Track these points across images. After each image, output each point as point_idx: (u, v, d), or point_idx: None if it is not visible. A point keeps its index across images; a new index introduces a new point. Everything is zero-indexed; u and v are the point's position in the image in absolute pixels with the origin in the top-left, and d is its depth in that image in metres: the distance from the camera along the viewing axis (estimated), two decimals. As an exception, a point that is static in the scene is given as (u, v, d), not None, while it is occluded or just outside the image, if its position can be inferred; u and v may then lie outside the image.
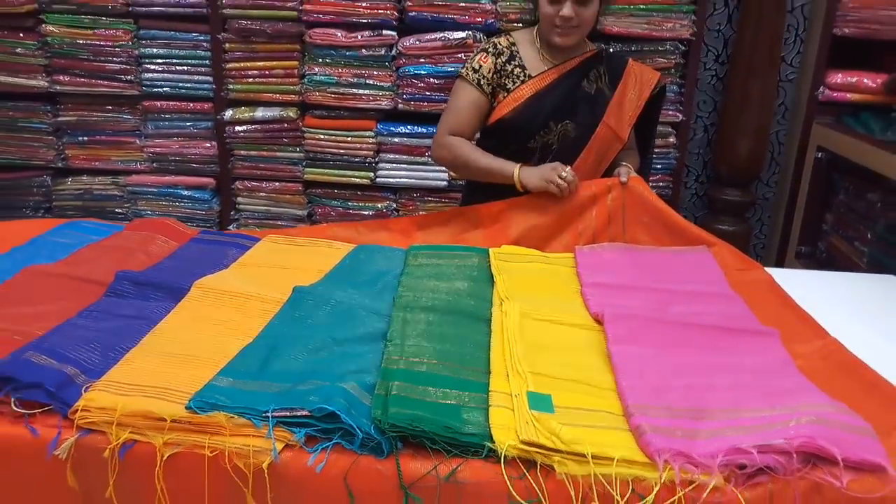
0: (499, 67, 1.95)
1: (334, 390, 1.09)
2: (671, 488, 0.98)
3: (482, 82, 1.95)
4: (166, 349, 1.26)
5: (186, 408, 1.07)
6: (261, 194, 3.03)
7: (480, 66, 1.95)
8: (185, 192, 3.05)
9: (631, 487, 0.99)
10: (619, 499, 0.98)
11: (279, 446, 1.04)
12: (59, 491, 1.08)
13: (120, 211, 3.11)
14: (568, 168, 1.78)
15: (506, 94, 1.95)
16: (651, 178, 2.84)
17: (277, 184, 3.01)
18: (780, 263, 2.88)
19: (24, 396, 1.11)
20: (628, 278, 1.65)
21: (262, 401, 1.09)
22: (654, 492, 0.98)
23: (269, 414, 1.05)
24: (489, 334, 1.35)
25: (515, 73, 1.95)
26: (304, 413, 1.05)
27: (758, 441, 1.02)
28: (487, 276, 1.66)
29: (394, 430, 1.03)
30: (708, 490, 0.98)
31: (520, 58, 1.96)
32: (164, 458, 1.04)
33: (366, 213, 2.99)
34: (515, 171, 1.85)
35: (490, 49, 1.97)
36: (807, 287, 1.72)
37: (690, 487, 0.98)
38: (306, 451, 1.04)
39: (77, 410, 1.07)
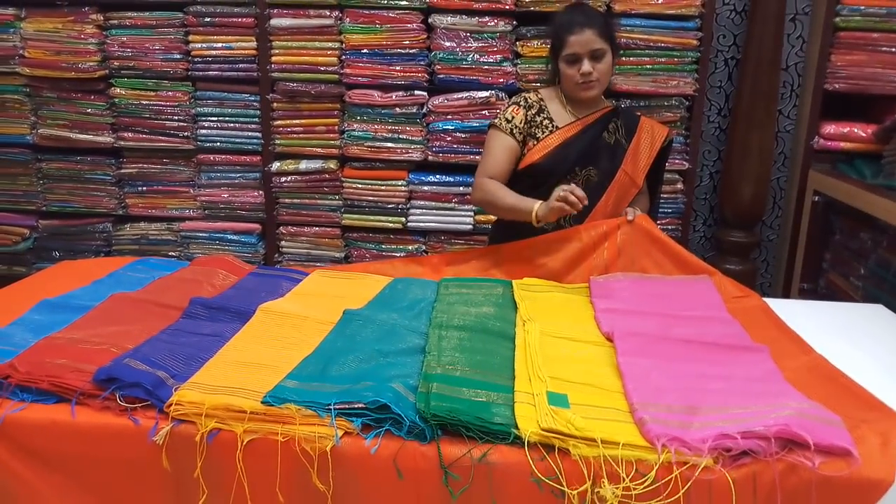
0: (529, 118, 2.18)
1: (384, 387, 1.29)
2: (668, 468, 1.15)
3: (514, 131, 2.17)
4: (239, 359, 1.46)
5: (262, 402, 1.27)
6: (302, 238, 3.26)
7: (513, 118, 2.18)
8: (233, 237, 3.29)
9: (634, 467, 1.16)
10: (624, 476, 1.15)
11: (340, 433, 1.22)
12: (155, 472, 1.27)
13: (173, 254, 3.34)
14: (571, 185, 1.94)
15: (535, 142, 2.17)
16: (661, 221, 3.03)
17: (317, 228, 3.24)
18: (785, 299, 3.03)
19: (127, 393, 1.32)
20: (637, 305, 1.83)
21: (324, 397, 1.28)
22: (654, 470, 1.15)
23: (331, 406, 1.25)
24: (513, 349, 1.54)
25: (544, 123, 2.18)
26: (361, 405, 1.24)
27: (742, 428, 1.19)
28: (511, 302, 1.86)
29: (435, 419, 1.22)
30: (699, 469, 1.15)
31: (548, 111, 2.20)
32: (244, 443, 1.24)
33: (397, 254, 3.20)
34: (535, 206, 2.02)
35: (521, 102, 2.21)
36: (801, 315, 1.88)
37: (684, 467, 1.15)
38: (362, 436, 1.23)
39: (171, 405, 1.28)
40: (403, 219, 3.17)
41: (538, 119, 2.18)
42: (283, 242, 3.27)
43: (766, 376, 1.45)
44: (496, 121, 2.21)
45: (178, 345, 1.52)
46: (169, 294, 1.84)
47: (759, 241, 3.15)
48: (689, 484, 1.14)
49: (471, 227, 3.14)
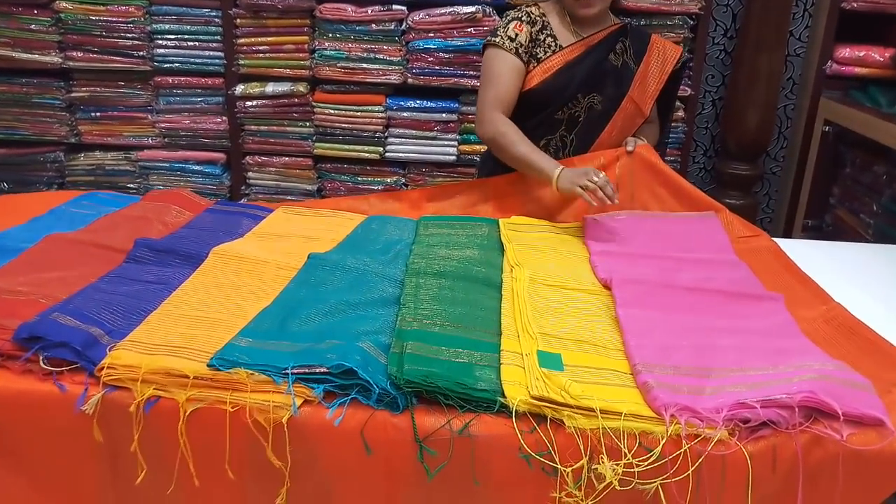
0: (534, 36, 1.92)
1: (351, 348, 1.13)
2: (677, 441, 1.02)
3: (520, 50, 1.90)
4: (186, 312, 1.29)
5: (208, 365, 1.11)
6: (271, 169, 3.06)
7: (517, 35, 1.90)
8: (196, 167, 3.08)
9: (638, 440, 1.02)
10: (626, 451, 1.01)
11: (298, 402, 1.07)
12: (85, 445, 1.12)
13: (132, 186, 3.14)
14: (602, 173, 1.70)
15: (535, 64, 1.93)
16: (661, 151, 2.85)
17: (287, 158, 3.04)
18: (787, 236, 2.90)
19: (52, 355, 1.15)
20: (636, 247, 1.67)
21: (281, 359, 1.13)
22: (661, 445, 1.01)
23: (288, 371, 1.09)
24: (499, 299, 1.39)
25: (547, 42, 1.94)
26: (323, 370, 1.09)
27: (761, 396, 1.05)
28: (497, 244, 1.69)
29: (409, 385, 1.07)
30: (713, 443, 1.01)
31: (551, 28, 1.95)
32: (187, 413, 1.08)
33: (375, 187, 3.02)
34: (556, 172, 1.76)
35: (524, 18, 1.94)
36: (811, 256, 1.74)
37: (696, 441, 1.02)
38: (324, 406, 1.08)
39: (103, 368, 1.11)
40: (381, 148, 2.97)
41: (541, 37, 1.94)
42: (249, 174, 3.07)
43: (783, 330, 1.31)
44: (496, 39, 1.93)
45: (117, 295, 1.35)
46: (113, 234, 1.66)
47: (763, 173, 2.99)
48: (700, 460, 1.01)
49: (454, 157, 2.95)
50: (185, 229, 1.74)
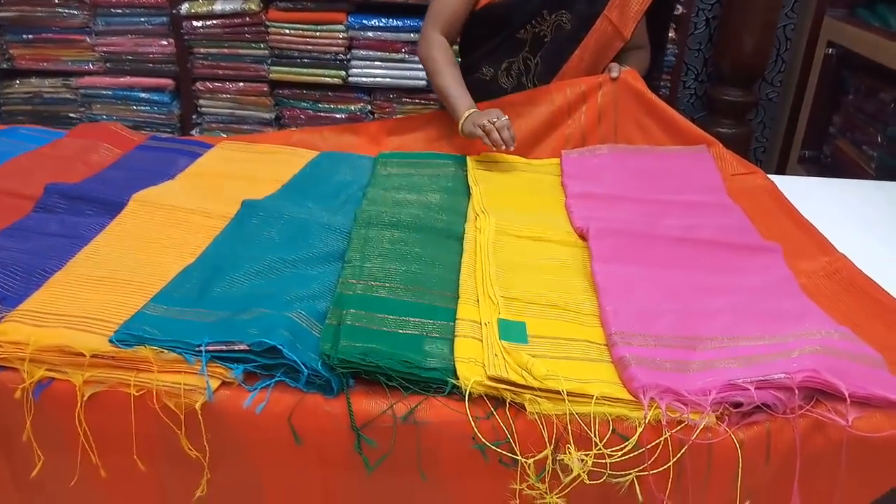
0: None
1: (278, 320, 0.97)
2: (657, 428, 0.89)
3: None
4: (95, 272, 1.13)
5: (110, 341, 0.95)
6: (224, 96, 2.83)
7: None
8: (143, 95, 2.85)
9: (612, 427, 0.89)
10: (597, 440, 0.88)
11: (214, 384, 0.92)
12: (-29, 434, 0.97)
13: (74, 116, 2.91)
14: (504, 116, 1.55)
15: None
16: (649, 77, 2.65)
17: (241, 84, 2.81)
18: (781, 168, 2.75)
19: (-73, 329, 0.99)
20: (618, 187, 1.51)
21: (196, 332, 0.97)
22: (638, 433, 0.88)
23: (202, 348, 0.94)
24: (462, 253, 1.23)
25: None
26: (242, 347, 0.93)
27: (756, 375, 0.91)
28: (464, 186, 1.53)
29: (344, 365, 0.92)
30: (697, 430, 0.88)
31: None
32: (85, 398, 0.93)
33: (338, 115, 2.81)
34: (465, 114, 1.59)
35: None
36: (811, 195, 1.60)
37: (678, 428, 0.88)
38: (245, 388, 0.93)
39: (-15, 344, 0.95)
40: (343, 72, 2.75)
41: None
42: (201, 101, 2.85)
43: (780, 288, 1.17)
44: None
45: (17, 252, 1.19)
46: (24, 178, 1.47)
47: (758, 100, 2.80)
48: (683, 450, 0.88)
49: (425, 82, 2.74)
50: (111, 170, 1.56)
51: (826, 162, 2.52)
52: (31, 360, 0.94)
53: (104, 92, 2.86)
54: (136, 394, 0.93)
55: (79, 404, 0.93)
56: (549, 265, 1.21)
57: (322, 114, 2.82)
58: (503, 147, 1.53)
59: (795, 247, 1.33)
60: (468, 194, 1.49)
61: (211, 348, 0.94)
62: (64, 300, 1.05)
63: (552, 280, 1.16)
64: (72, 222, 1.30)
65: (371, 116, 2.80)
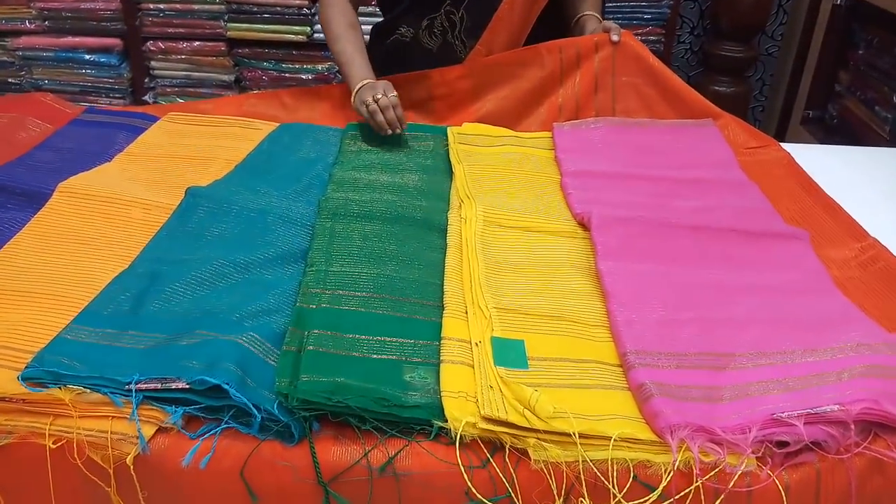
0: None
1: (224, 349, 0.81)
2: (686, 474, 0.74)
3: None
4: (8, 283, 0.95)
5: (19, 379, 0.78)
6: (178, 57, 2.60)
7: None
8: (88, 57, 2.61)
9: (632, 474, 0.74)
10: (615, 492, 0.73)
11: (148, 432, 0.76)
12: None
13: (14, 81, 2.67)
14: (392, 92, 1.36)
15: None
16: (639, 31, 2.47)
17: (197, 43, 2.58)
18: (782, 129, 2.60)
19: None
20: (619, 163, 1.35)
21: (125, 365, 0.81)
22: (665, 481, 0.73)
23: (132, 387, 0.77)
24: (445, 249, 1.06)
25: None
26: (181, 385, 0.77)
27: (802, 406, 0.77)
28: (445, 164, 1.36)
29: (306, 406, 0.76)
30: (735, 477, 0.74)
31: None
32: (-11, 452, 0.77)
33: (304, 76, 2.60)
34: (356, 87, 1.40)
35: None
36: (828, 166, 1.44)
37: (712, 474, 0.74)
38: (186, 436, 0.77)
39: None
40: (308, 28, 2.53)
41: None
42: (153, 63, 2.62)
43: (813, 284, 1.03)
44: None
45: (-86, 259, 1.00)
46: (-67, 162, 1.28)
47: (758, 55, 2.63)
48: (719, 501, 0.73)
49: (397, 39, 2.52)
50: (39, 151, 1.37)
51: (832, 123, 2.37)
52: (-82, 405, 0.77)
53: (45, 54, 2.61)
54: (53, 446, 0.76)
55: (-18, 460, 0.77)
56: (547, 264, 1.05)
57: (287, 74, 2.60)
58: (388, 131, 1.35)
59: (822, 231, 1.19)
60: (449, 174, 1.32)
61: (143, 387, 0.77)
62: (-33, 323, 0.88)
63: (551, 283, 1.00)
64: (-15, 219, 1.12)
65: (339, 77, 2.59)
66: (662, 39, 2.49)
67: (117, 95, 2.66)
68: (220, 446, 0.76)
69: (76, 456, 0.76)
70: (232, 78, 2.62)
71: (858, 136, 2.13)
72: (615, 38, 1.48)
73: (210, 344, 0.82)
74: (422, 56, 1.57)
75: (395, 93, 1.36)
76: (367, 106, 1.35)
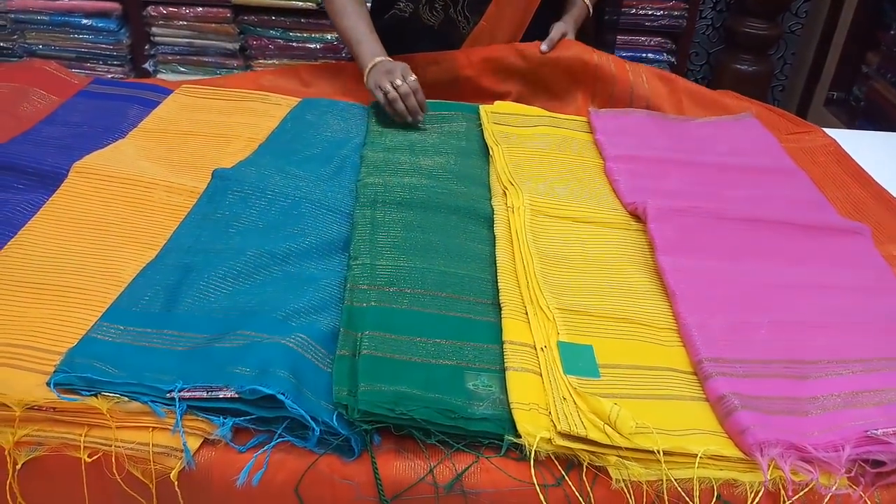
0: None
1: (273, 352, 0.75)
2: (773, 494, 0.69)
3: None
4: (27, 276, 0.88)
5: (48, 385, 0.72)
6: (180, 23, 2.49)
7: None
8: (85, 21, 2.49)
9: (716, 494, 0.69)
10: (701, 513, 0.68)
11: (194, 444, 0.70)
12: None
13: (5, 45, 2.55)
14: (411, 76, 1.28)
15: None
16: (664, 7, 2.39)
17: (200, 9, 2.46)
18: (803, 110, 2.53)
19: None
20: (662, 149, 1.29)
21: (164, 369, 0.74)
22: (753, 502, 0.68)
23: (174, 395, 0.71)
24: (491, 240, 1.00)
25: None
26: (230, 394, 0.71)
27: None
28: (479, 146, 1.29)
29: (368, 419, 0.70)
30: (827, 498, 0.69)
31: None
32: (19, 465, 0.70)
33: (312, 45, 2.50)
34: (370, 64, 1.33)
35: None
36: (868, 152, 1.38)
37: (802, 493, 0.69)
38: (235, 449, 0.71)
39: None
40: (318, -5, 2.42)
41: None
42: (154, 29, 2.50)
43: (878, 283, 0.99)
44: None
45: (-77, 245, 0.92)
46: (-65, 136, 1.20)
47: (782, 33, 2.55)
48: (810, 523, 0.69)
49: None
50: (46, 125, 1.29)
51: (858, 105, 2.31)
52: (-59, 413, 0.71)
53: (39, 17, 2.49)
54: (89, 459, 0.70)
55: (10, 474, 0.70)
56: (601, 257, 0.99)
57: (294, 43, 2.50)
58: (409, 119, 1.28)
59: (878, 224, 1.14)
60: (485, 156, 1.25)
61: (187, 395, 0.71)
62: (-15, 319, 0.81)
63: (610, 279, 0.94)
64: (-3, 201, 1.04)
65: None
66: (685, 16, 2.41)
67: (115, 63, 2.55)
68: (272, 460, 0.70)
69: (115, 471, 0.69)
70: (237, 46, 2.51)
71: (886, 120, 2.07)
72: (543, 48, 1.42)
73: (258, 347, 0.75)
74: (422, 33, 1.49)
75: (414, 76, 1.29)
76: (385, 93, 1.27)
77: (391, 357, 0.77)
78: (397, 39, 1.49)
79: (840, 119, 2.30)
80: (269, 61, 2.52)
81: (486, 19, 1.44)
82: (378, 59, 1.33)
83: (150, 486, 0.70)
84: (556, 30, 1.44)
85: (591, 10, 1.52)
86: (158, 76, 2.52)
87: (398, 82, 1.26)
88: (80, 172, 1.07)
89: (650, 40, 2.46)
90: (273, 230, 0.98)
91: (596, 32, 1.44)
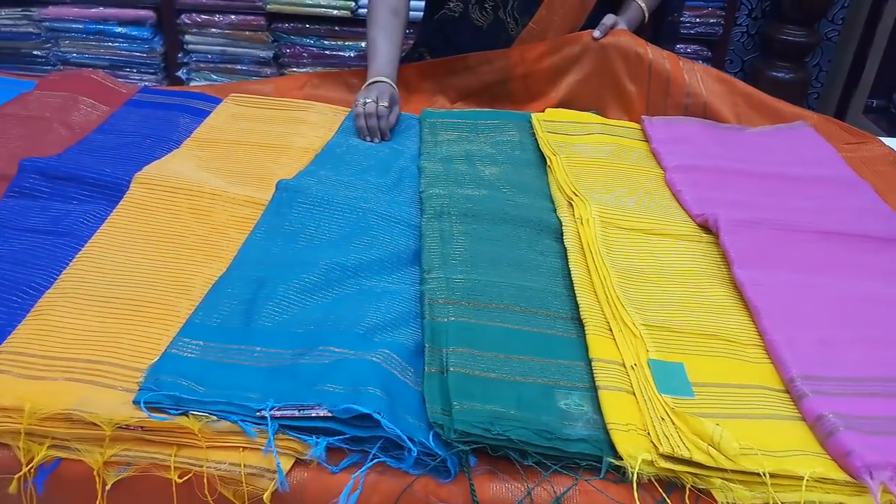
0: None
1: (363, 370, 0.73)
2: (881, 518, 0.67)
3: None
4: (99, 290, 0.87)
5: (136, 404, 0.70)
6: (214, 31, 2.49)
7: None
8: (119, 29, 2.50)
9: (821, 517, 0.67)
10: (808, 538, 0.66)
11: (286, 465, 0.68)
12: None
13: (39, 54, 2.56)
14: (383, 102, 1.30)
15: None
16: (700, 14, 2.37)
17: (234, 17, 2.47)
18: (840, 118, 2.50)
19: None
20: (721, 158, 1.27)
21: (251, 385, 0.73)
22: (862, 527, 0.66)
23: (265, 413, 0.69)
24: (561, 253, 0.98)
25: None
26: (323, 413, 0.69)
27: None
28: (534, 156, 1.27)
29: (464, 439, 0.68)
30: (940, 522, 0.67)
31: None
32: (108, 486, 0.69)
33: (346, 53, 2.50)
34: (367, 83, 1.36)
35: None
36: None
37: (911, 517, 0.67)
38: (328, 470, 0.69)
39: (-38, 410, 0.70)
40: (352, 3, 2.42)
41: None
42: (187, 37, 2.50)
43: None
44: None
45: (-9, 258, 0.91)
46: (-9, 146, 1.19)
47: (821, 40, 2.53)
48: (922, 550, 0.66)
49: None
50: (98, 134, 1.28)
51: (897, 113, 2.28)
52: (27, 432, 0.69)
53: (73, 25, 2.50)
54: (180, 480, 0.68)
55: (99, 495, 0.69)
56: (677, 271, 0.97)
57: (328, 52, 2.50)
58: (364, 138, 1.30)
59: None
60: (541, 165, 1.23)
61: (278, 414, 0.69)
62: (61, 335, 0.80)
63: (689, 294, 0.92)
64: (57, 212, 1.03)
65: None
66: (722, 22, 2.39)
67: (149, 71, 2.55)
68: (366, 482, 0.68)
69: (206, 491, 0.68)
70: (270, 54, 2.51)
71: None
72: (596, 34, 1.40)
73: (346, 364, 0.74)
74: (470, 33, 1.49)
75: (387, 103, 1.30)
76: (356, 107, 1.31)
77: (479, 375, 0.75)
78: (446, 40, 1.49)
79: (880, 127, 2.27)
80: (303, 70, 2.51)
81: (536, 22, 1.43)
82: (375, 78, 1.35)
83: (241, 507, 0.68)
84: (609, 18, 1.43)
85: (646, 16, 1.50)
86: (191, 84, 2.52)
87: (369, 100, 1.29)
88: (142, 183, 1.06)
89: (686, 48, 2.44)
90: (342, 242, 0.97)
91: (654, 42, 1.42)
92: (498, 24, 1.47)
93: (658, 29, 1.67)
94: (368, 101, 1.29)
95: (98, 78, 1.48)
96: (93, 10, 2.48)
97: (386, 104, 1.30)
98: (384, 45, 1.40)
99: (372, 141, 1.29)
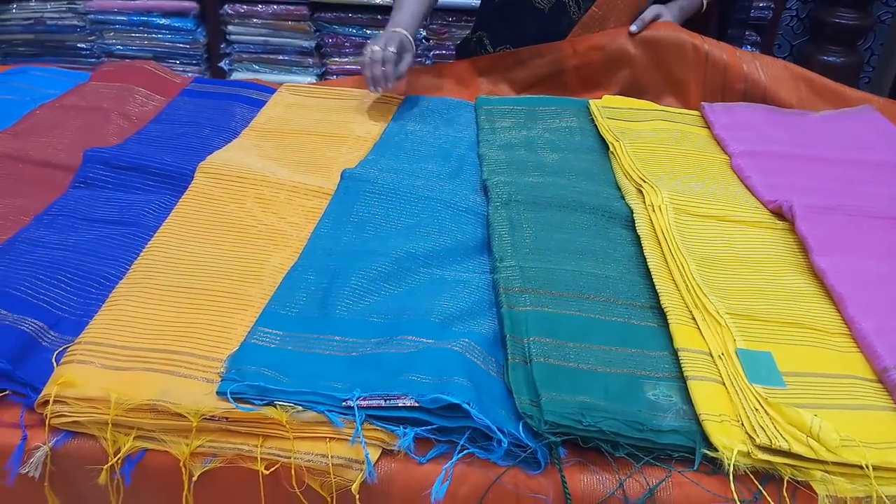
0: None
1: (448, 360, 0.72)
2: None
3: None
4: (172, 280, 0.86)
5: (220, 394, 0.70)
6: (256, 21, 2.48)
7: None
8: (162, 21, 2.50)
9: (926, 512, 0.65)
10: (914, 534, 0.64)
11: (374, 455, 0.67)
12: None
13: (83, 46, 2.57)
14: (391, 47, 1.26)
15: None
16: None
17: (276, 7, 2.45)
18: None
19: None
20: (787, 144, 1.23)
21: (334, 375, 0.72)
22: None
23: (351, 403, 0.68)
24: (634, 240, 0.96)
25: None
26: (410, 403, 0.68)
27: None
28: (596, 142, 1.24)
29: (555, 430, 0.66)
30: None
31: None
32: (195, 477, 0.68)
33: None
34: (388, 31, 1.33)
35: None
36: None
37: None
38: (416, 461, 0.68)
39: (47, 402, 0.69)
40: (394, -7, 2.39)
41: None
42: (230, 28, 2.50)
43: None
44: None
45: (63, 250, 0.92)
46: (55, 138, 1.21)
47: (874, 22, 2.46)
48: None
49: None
50: (156, 125, 1.28)
51: (956, 95, 2.21)
52: (113, 423, 0.69)
53: (117, 17, 2.50)
54: (267, 472, 0.68)
55: (185, 486, 0.68)
56: (755, 259, 0.94)
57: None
58: (371, 88, 1.27)
59: None
60: (602, 152, 1.21)
61: (364, 404, 0.68)
62: (137, 324, 0.79)
63: (768, 281, 0.90)
64: (123, 202, 1.03)
65: (426, 43, 2.47)
66: (772, 6, 2.32)
67: (192, 62, 2.55)
68: (454, 473, 0.67)
69: (294, 483, 0.67)
70: (312, 44, 2.49)
71: None
72: (633, 28, 1.37)
73: (430, 353, 0.72)
74: (532, 16, 1.45)
75: (395, 49, 1.26)
76: (363, 56, 1.27)
77: (564, 365, 0.73)
78: (505, 22, 1.47)
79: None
80: (345, 59, 2.50)
81: (598, 5, 1.40)
82: (391, 29, 1.32)
83: (330, 499, 0.68)
84: (650, 11, 1.39)
85: (704, 4, 1.46)
86: (233, 75, 2.52)
87: (376, 48, 1.26)
88: (206, 173, 1.06)
89: (734, 32, 2.38)
90: (409, 231, 0.96)
91: (720, 33, 1.38)
92: (560, 8, 1.44)
93: (724, 17, 1.62)
94: (376, 48, 1.26)
95: (151, 68, 1.48)
96: (137, 2, 2.48)
97: (394, 49, 1.27)
98: (406, 3, 1.38)
99: (376, 90, 1.27)
